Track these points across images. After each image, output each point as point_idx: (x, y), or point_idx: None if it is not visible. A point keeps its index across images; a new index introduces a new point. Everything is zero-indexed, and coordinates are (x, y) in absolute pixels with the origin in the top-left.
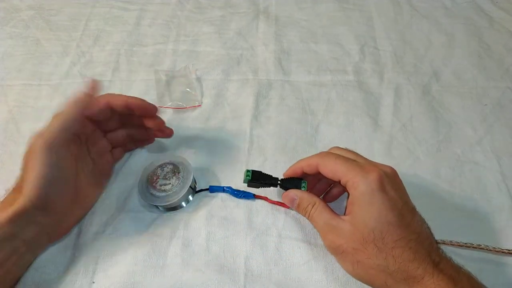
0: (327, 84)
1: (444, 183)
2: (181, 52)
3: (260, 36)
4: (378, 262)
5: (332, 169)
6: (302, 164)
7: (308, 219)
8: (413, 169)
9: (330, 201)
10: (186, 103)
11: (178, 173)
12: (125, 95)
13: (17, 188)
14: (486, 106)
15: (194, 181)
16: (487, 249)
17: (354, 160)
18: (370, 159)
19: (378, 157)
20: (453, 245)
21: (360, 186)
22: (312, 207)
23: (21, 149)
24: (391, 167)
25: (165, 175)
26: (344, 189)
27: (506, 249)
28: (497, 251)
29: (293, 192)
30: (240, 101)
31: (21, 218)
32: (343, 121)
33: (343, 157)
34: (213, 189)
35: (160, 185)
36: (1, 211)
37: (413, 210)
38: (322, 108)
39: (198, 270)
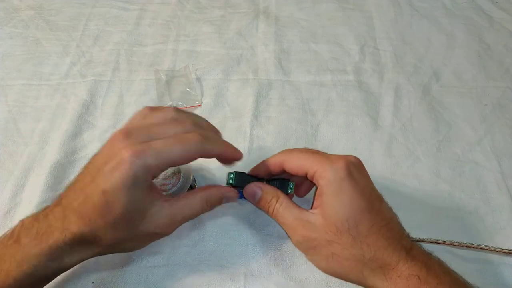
0: (327, 84)
1: (444, 183)
2: (181, 52)
3: (260, 36)
4: (354, 252)
5: (297, 164)
6: (266, 165)
7: (271, 214)
8: (413, 169)
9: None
10: (186, 103)
11: (178, 173)
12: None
13: (71, 209)
14: (486, 106)
15: (194, 181)
16: (487, 249)
17: (319, 152)
18: (370, 159)
19: (378, 157)
20: (453, 245)
21: (328, 175)
22: (277, 201)
23: (21, 149)
24: (355, 157)
25: (165, 175)
26: (310, 186)
27: (506, 249)
28: (497, 251)
29: (254, 185)
30: (240, 101)
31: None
32: (343, 121)
33: (308, 150)
34: None
35: (160, 185)
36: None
37: (380, 197)
38: (322, 108)
39: (198, 270)
